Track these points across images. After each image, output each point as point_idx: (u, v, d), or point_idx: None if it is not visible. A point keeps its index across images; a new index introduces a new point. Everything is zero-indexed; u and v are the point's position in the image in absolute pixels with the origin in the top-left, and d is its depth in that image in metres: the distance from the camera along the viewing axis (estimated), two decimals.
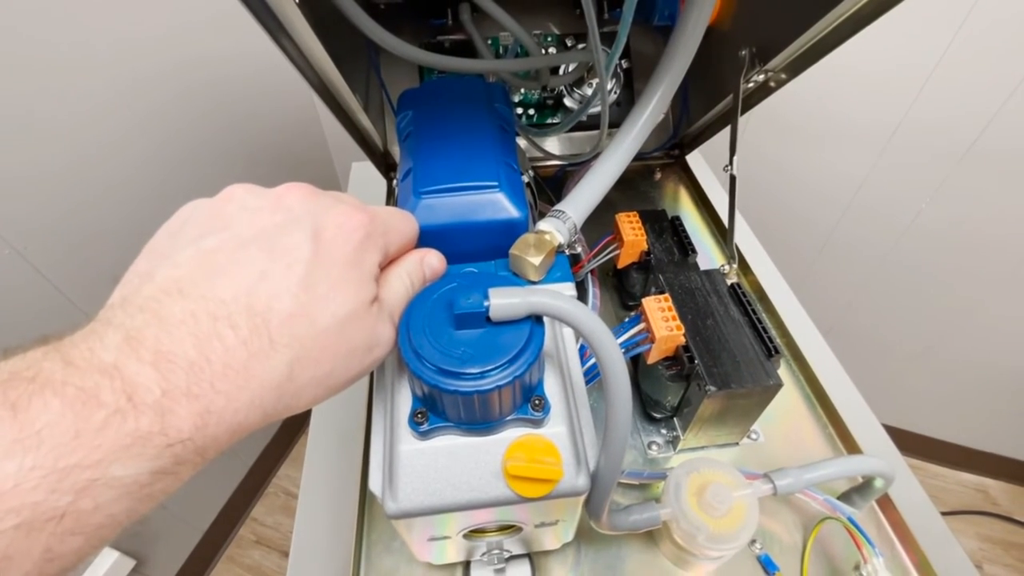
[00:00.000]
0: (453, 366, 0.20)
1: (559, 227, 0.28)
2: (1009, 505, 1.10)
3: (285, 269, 0.17)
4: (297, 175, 1.11)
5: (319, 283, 0.18)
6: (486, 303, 0.21)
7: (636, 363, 0.40)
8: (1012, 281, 0.83)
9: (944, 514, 1.10)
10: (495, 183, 0.28)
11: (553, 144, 0.59)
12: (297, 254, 0.18)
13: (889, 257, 0.89)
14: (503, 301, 0.21)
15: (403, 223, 0.23)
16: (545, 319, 0.23)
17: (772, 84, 0.42)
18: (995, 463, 1.10)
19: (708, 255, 0.51)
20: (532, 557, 0.32)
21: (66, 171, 0.64)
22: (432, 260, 0.24)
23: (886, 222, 0.85)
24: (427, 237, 0.29)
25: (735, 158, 0.44)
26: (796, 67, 0.39)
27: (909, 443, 1.15)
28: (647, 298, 0.33)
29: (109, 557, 0.81)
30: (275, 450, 1.13)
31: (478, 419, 0.22)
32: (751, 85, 0.43)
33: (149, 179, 0.74)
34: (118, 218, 0.71)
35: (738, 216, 0.57)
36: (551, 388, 0.24)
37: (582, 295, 0.44)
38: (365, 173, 0.65)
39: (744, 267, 0.48)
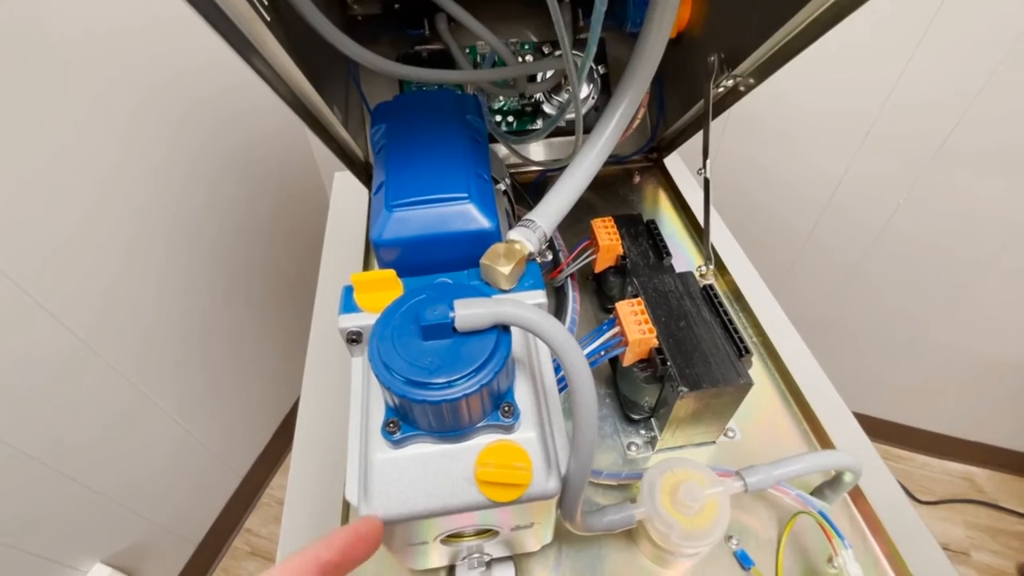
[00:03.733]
0: (421, 376, 0.21)
1: (529, 236, 0.28)
2: (995, 492, 1.11)
3: None
4: (284, 184, 1.11)
5: None
6: (451, 314, 0.21)
7: (614, 367, 0.41)
8: (990, 272, 0.85)
9: (932, 503, 1.12)
10: (465, 195, 0.28)
11: (537, 150, 0.60)
12: None
13: (869, 252, 0.90)
14: (468, 312, 0.21)
15: None
16: (514, 327, 0.23)
17: (742, 89, 0.43)
18: (980, 451, 1.12)
19: (686, 257, 0.51)
20: (514, 559, 0.32)
21: (55, 189, 0.64)
22: None
23: (865, 218, 0.86)
24: (400, 249, 0.29)
25: (708, 161, 0.45)
26: (763, 72, 0.40)
27: (897, 434, 1.16)
28: (620, 302, 0.34)
29: (101, 573, 0.80)
30: (268, 460, 1.13)
31: (448, 427, 0.22)
32: (721, 90, 0.44)
33: (127, 188, 0.74)
34: (104, 231, 0.70)
35: (716, 217, 0.58)
36: (522, 394, 0.25)
37: (562, 299, 0.45)
38: (348, 183, 0.66)
39: (721, 267, 0.49)
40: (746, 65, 0.40)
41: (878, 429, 1.17)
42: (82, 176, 0.67)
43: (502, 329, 0.22)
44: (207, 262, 0.88)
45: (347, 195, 0.65)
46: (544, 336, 0.21)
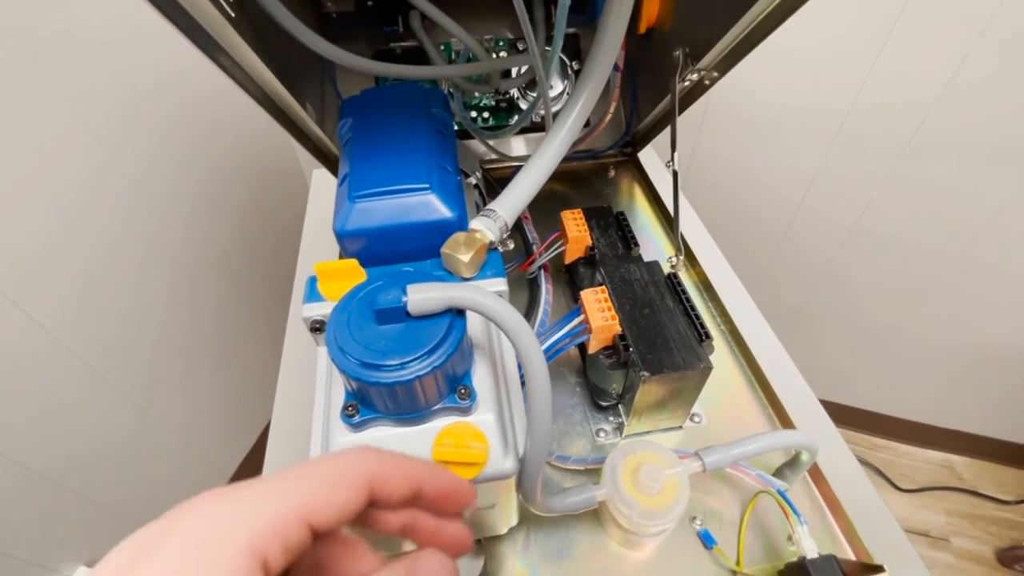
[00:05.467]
0: (374, 359, 0.21)
1: (489, 225, 0.29)
2: (974, 480, 1.14)
3: None
4: (266, 182, 1.11)
5: None
6: (404, 299, 0.22)
7: (584, 356, 0.41)
8: (962, 262, 0.87)
9: (912, 491, 1.13)
10: (426, 185, 0.29)
11: (516, 146, 0.60)
12: None
13: (845, 246, 0.92)
14: (420, 296, 0.22)
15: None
16: (471, 313, 0.24)
17: (706, 82, 0.44)
18: (960, 440, 1.14)
19: (659, 248, 0.52)
20: (483, 542, 0.33)
21: (31, 194, 0.63)
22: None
23: (841, 211, 0.88)
24: (364, 240, 0.30)
25: (676, 154, 0.46)
26: (726, 65, 0.41)
27: (878, 424, 1.18)
28: (585, 291, 0.35)
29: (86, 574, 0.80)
30: (254, 462, 1.12)
31: (405, 409, 0.23)
32: (687, 84, 0.44)
33: (111, 191, 0.73)
34: (85, 235, 0.70)
35: (689, 211, 0.59)
36: (480, 378, 0.26)
37: (535, 291, 0.46)
38: (326, 180, 0.66)
39: (691, 258, 0.50)
40: (709, 58, 0.41)
41: (859, 419, 1.19)
42: (63, 179, 0.67)
43: (456, 313, 0.23)
44: (193, 265, 0.88)
45: (326, 192, 0.66)
46: (494, 318, 0.22)
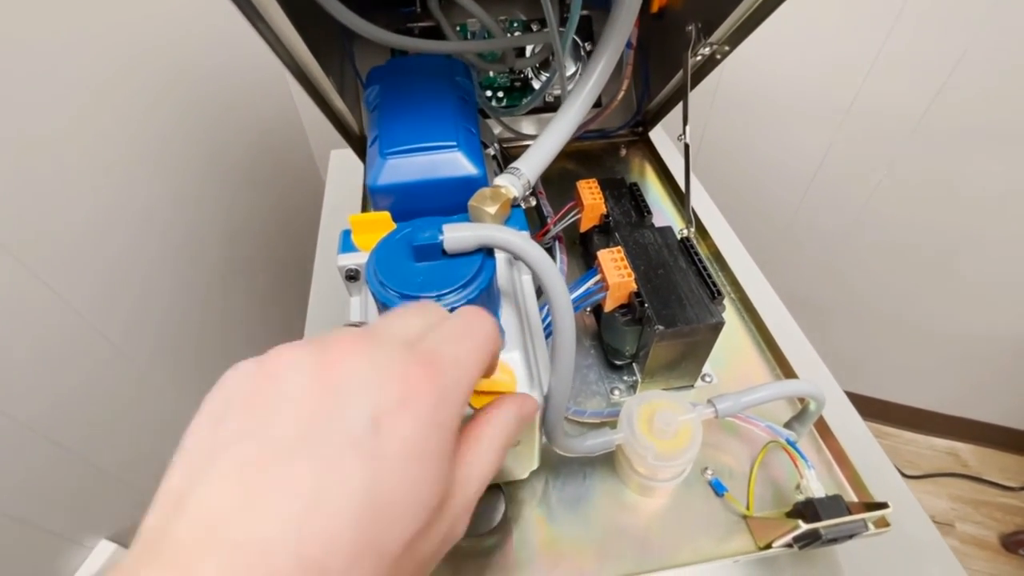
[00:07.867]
0: (413, 291, 0.23)
1: (513, 182, 0.30)
2: (978, 466, 1.14)
3: (340, 488, 0.14)
4: (277, 166, 1.12)
5: (386, 495, 0.14)
6: (441, 236, 0.23)
7: (599, 319, 0.43)
8: (967, 247, 0.87)
9: (918, 477, 1.14)
10: (453, 143, 0.30)
11: (529, 126, 0.62)
12: (353, 462, 0.14)
13: (853, 229, 0.93)
14: (455, 235, 0.23)
15: (475, 350, 0.18)
16: (499, 259, 0.26)
17: (718, 56, 0.45)
18: (964, 427, 1.15)
19: (670, 222, 0.53)
20: (503, 488, 0.34)
21: (40, 166, 0.65)
22: (530, 407, 0.20)
23: (848, 195, 0.89)
24: (394, 195, 0.32)
25: (687, 128, 0.47)
26: (736, 38, 0.42)
27: (884, 412, 1.19)
28: (601, 251, 0.36)
29: (107, 549, 0.82)
30: None
31: None
32: (699, 58, 0.46)
33: (119, 167, 0.75)
34: (97, 210, 0.72)
35: (698, 187, 0.60)
36: (507, 320, 0.27)
37: None
38: (343, 161, 0.68)
39: (702, 232, 0.51)
40: (720, 32, 0.42)
41: (865, 407, 1.20)
42: (95, 170, 0.69)
43: (487, 253, 0.25)
44: (209, 252, 0.90)
45: (342, 174, 0.68)
46: (523, 255, 0.23)
